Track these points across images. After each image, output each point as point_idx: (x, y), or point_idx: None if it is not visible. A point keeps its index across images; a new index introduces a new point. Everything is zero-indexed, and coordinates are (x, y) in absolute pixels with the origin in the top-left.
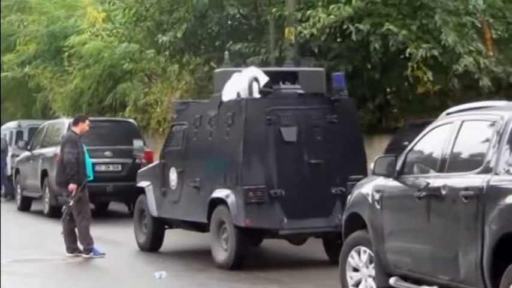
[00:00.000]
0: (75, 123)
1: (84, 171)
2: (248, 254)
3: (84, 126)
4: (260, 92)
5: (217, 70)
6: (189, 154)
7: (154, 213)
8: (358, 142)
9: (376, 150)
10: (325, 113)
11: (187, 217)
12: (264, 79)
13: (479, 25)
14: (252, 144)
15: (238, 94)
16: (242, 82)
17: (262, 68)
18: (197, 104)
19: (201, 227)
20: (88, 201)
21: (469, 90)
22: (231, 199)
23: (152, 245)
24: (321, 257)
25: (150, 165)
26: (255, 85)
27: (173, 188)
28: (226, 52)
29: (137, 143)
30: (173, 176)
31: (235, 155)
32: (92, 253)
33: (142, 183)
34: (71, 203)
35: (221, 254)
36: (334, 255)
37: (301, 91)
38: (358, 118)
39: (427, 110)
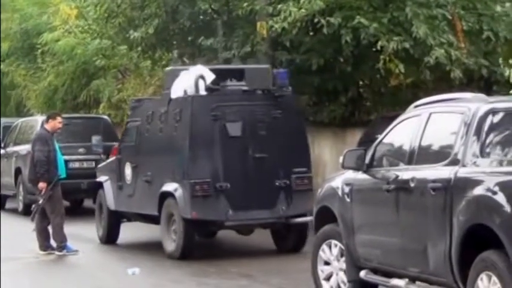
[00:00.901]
0: (47, 120)
1: (55, 169)
2: (210, 247)
3: (56, 123)
4: (206, 89)
5: (167, 68)
6: (142, 149)
7: (112, 206)
8: (302, 136)
9: (348, 144)
10: (270, 108)
11: (141, 210)
12: (210, 77)
13: (450, 17)
14: (198, 140)
15: (185, 91)
16: (189, 80)
17: (210, 66)
18: (149, 101)
19: (154, 220)
20: (61, 198)
21: (441, 82)
22: (179, 192)
23: (109, 238)
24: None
25: (108, 161)
26: (201, 82)
27: (128, 182)
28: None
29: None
30: (128, 170)
31: (182, 150)
32: (64, 250)
33: (101, 178)
34: (40, 201)
35: (170, 245)
36: (282, 245)
37: (245, 88)
38: (301, 113)
39: (399, 102)
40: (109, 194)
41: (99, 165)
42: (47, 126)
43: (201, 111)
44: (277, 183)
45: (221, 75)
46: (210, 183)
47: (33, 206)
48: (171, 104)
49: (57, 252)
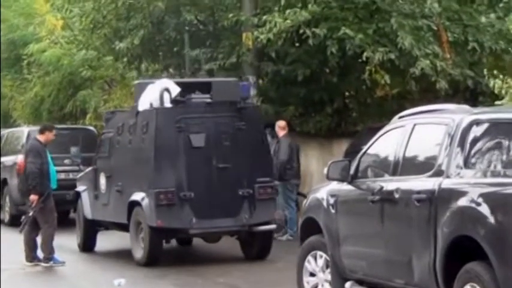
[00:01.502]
0: (41, 131)
1: (48, 181)
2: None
3: (50, 135)
4: (172, 101)
5: (135, 82)
6: (114, 160)
7: (89, 215)
8: (265, 147)
9: (335, 155)
10: (233, 120)
11: (114, 219)
12: (175, 90)
13: (435, 28)
14: (163, 151)
15: (151, 104)
16: (154, 93)
17: (177, 80)
18: (120, 114)
19: (126, 228)
20: (53, 210)
21: (427, 93)
22: (145, 202)
23: (85, 246)
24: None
25: (86, 171)
26: (166, 95)
27: (103, 192)
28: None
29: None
30: (103, 180)
31: (148, 160)
32: (51, 262)
33: (80, 188)
34: (30, 213)
35: (138, 252)
36: (248, 253)
37: (209, 100)
38: (263, 124)
39: (385, 113)
40: (86, 203)
41: (79, 176)
42: (41, 138)
43: (165, 123)
44: (240, 193)
45: (189, 88)
46: (174, 192)
47: (23, 217)
48: (139, 117)
49: (43, 264)
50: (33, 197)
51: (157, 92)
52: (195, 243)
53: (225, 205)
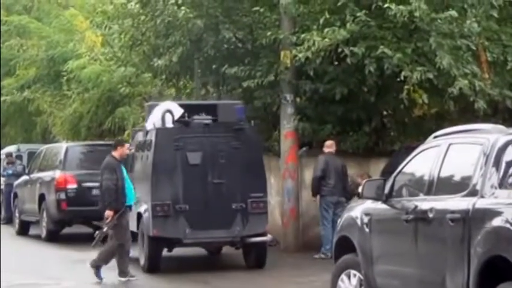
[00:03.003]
0: (115, 147)
1: (123, 198)
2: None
3: (124, 150)
4: (174, 122)
5: (146, 104)
6: (133, 174)
7: None
8: (259, 164)
9: (372, 173)
10: (229, 139)
11: (132, 229)
12: (179, 111)
13: (474, 48)
14: (161, 167)
15: (153, 124)
16: (157, 114)
17: (183, 102)
18: (139, 132)
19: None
20: (127, 227)
21: (465, 112)
22: (146, 213)
23: None
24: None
25: None
26: (168, 116)
27: None
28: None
29: None
30: None
31: (149, 175)
32: (128, 277)
33: None
34: (105, 229)
35: (142, 259)
36: (248, 262)
37: (208, 121)
38: (260, 144)
39: (423, 133)
40: None
41: None
42: (115, 154)
43: (164, 142)
44: (234, 206)
45: (196, 110)
46: (170, 205)
47: (97, 232)
48: (147, 135)
49: (122, 278)
50: (108, 213)
51: (160, 113)
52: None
53: (218, 217)
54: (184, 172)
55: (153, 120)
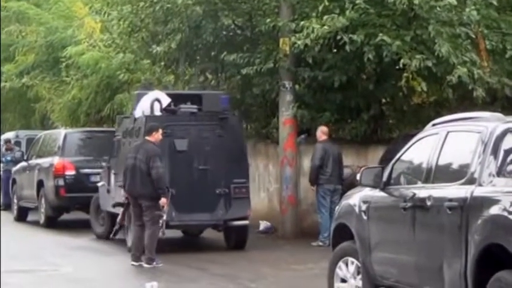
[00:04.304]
0: (149, 133)
1: (167, 184)
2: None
3: (159, 135)
4: (162, 110)
5: (135, 92)
6: (120, 160)
7: (103, 207)
8: (242, 152)
9: (370, 161)
10: (214, 128)
11: (118, 210)
12: (166, 100)
13: (473, 36)
14: None
15: (143, 112)
16: (146, 102)
17: (170, 91)
18: (126, 119)
19: None
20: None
21: (464, 100)
22: None
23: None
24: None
25: (104, 169)
26: (156, 105)
27: (112, 187)
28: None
29: None
30: (112, 177)
31: None
32: (154, 263)
33: (99, 183)
34: (164, 216)
35: (130, 241)
36: (228, 243)
37: (194, 110)
38: (242, 132)
39: (422, 120)
40: (102, 197)
41: (101, 172)
42: (152, 139)
43: None
44: (217, 191)
45: (182, 100)
46: None
47: (160, 221)
48: (136, 122)
49: (145, 265)
50: (163, 201)
51: (149, 101)
52: (222, 246)
53: (203, 202)
54: (172, 158)
55: (142, 108)
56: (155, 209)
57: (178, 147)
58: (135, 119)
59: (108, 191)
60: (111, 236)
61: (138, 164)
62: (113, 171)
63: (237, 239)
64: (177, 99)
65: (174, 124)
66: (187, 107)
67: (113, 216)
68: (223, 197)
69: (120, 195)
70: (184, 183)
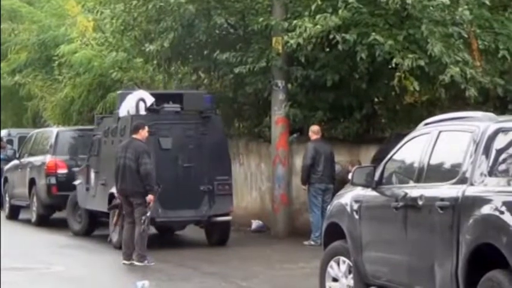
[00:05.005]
0: (136, 130)
1: (156, 181)
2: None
3: (145, 132)
4: (146, 109)
5: (118, 92)
6: (101, 158)
7: (81, 205)
8: (224, 150)
9: (362, 160)
10: (198, 126)
11: (99, 208)
12: (150, 99)
13: (466, 36)
14: None
15: (128, 111)
16: (131, 102)
17: (152, 91)
18: (107, 118)
19: (107, 216)
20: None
21: (457, 100)
22: None
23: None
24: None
25: (82, 167)
26: (141, 104)
27: (92, 185)
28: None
29: None
30: (92, 176)
31: None
32: (146, 261)
33: (76, 181)
34: (149, 213)
35: (115, 237)
36: (210, 239)
37: (178, 109)
38: (224, 131)
39: (414, 120)
40: (80, 194)
41: (76, 170)
42: (139, 137)
43: None
44: (201, 188)
45: (163, 99)
46: None
47: (143, 217)
48: (120, 122)
49: (137, 263)
50: (150, 197)
51: (134, 101)
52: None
53: (187, 198)
54: (157, 156)
55: (127, 108)
56: (146, 206)
57: (163, 146)
58: (119, 118)
59: (87, 189)
60: (108, 240)
61: (128, 163)
62: (93, 170)
63: (219, 235)
64: (158, 98)
65: (158, 123)
66: (171, 106)
67: (91, 213)
68: (207, 194)
69: (103, 193)
70: (169, 180)
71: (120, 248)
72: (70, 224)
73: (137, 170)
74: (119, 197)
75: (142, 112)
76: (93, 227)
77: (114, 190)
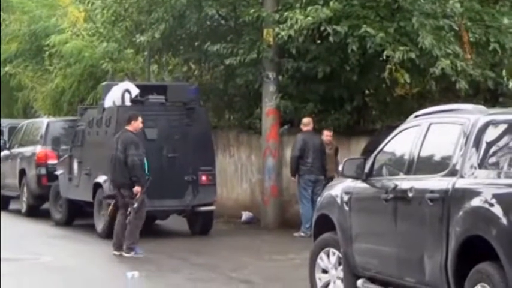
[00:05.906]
0: (129, 122)
1: (146, 173)
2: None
3: (138, 123)
4: (132, 101)
5: (102, 83)
6: (85, 148)
7: (63, 194)
8: (208, 141)
9: (353, 152)
10: (182, 118)
11: (82, 197)
12: (135, 91)
13: (457, 28)
14: None
15: (113, 102)
16: (117, 93)
17: (137, 83)
18: (91, 109)
19: (91, 205)
20: (145, 202)
21: (447, 93)
22: (106, 183)
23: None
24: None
25: (64, 157)
26: (126, 95)
27: (75, 175)
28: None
29: None
30: (75, 166)
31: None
32: (133, 252)
33: (58, 172)
34: (135, 205)
35: (99, 226)
36: (193, 229)
37: (163, 101)
38: (209, 122)
39: (404, 112)
40: (62, 184)
41: (58, 162)
42: (130, 128)
43: (124, 118)
44: (186, 178)
45: (147, 90)
46: None
47: (129, 209)
48: (104, 113)
49: (125, 254)
50: (137, 189)
51: (119, 92)
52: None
53: (172, 188)
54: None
55: (113, 99)
56: (132, 197)
57: (149, 136)
58: (104, 109)
59: (70, 179)
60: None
61: (118, 155)
62: (76, 160)
63: (202, 225)
64: (143, 90)
65: (144, 114)
66: (156, 98)
67: (71, 203)
68: (191, 184)
69: (87, 183)
70: (154, 170)
71: (105, 237)
72: (52, 214)
73: (125, 161)
74: (113, 187)
75: (128, 103)
76: (73, 216)
77: (99, 180)
